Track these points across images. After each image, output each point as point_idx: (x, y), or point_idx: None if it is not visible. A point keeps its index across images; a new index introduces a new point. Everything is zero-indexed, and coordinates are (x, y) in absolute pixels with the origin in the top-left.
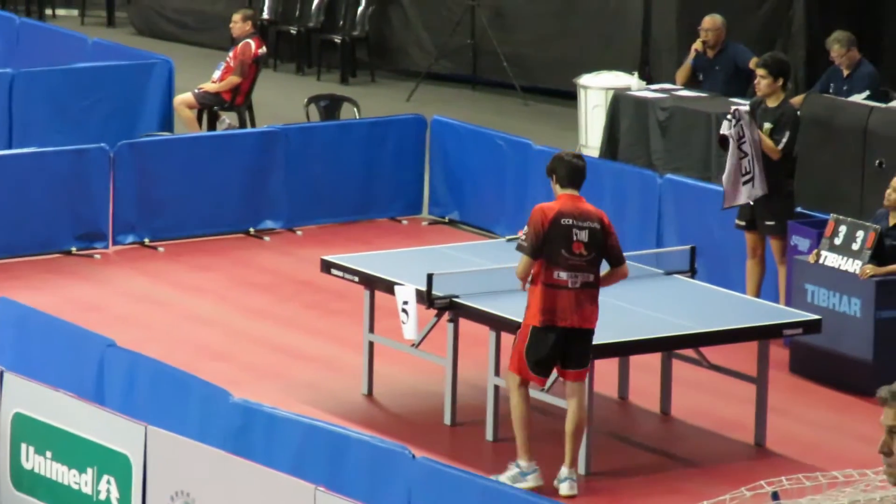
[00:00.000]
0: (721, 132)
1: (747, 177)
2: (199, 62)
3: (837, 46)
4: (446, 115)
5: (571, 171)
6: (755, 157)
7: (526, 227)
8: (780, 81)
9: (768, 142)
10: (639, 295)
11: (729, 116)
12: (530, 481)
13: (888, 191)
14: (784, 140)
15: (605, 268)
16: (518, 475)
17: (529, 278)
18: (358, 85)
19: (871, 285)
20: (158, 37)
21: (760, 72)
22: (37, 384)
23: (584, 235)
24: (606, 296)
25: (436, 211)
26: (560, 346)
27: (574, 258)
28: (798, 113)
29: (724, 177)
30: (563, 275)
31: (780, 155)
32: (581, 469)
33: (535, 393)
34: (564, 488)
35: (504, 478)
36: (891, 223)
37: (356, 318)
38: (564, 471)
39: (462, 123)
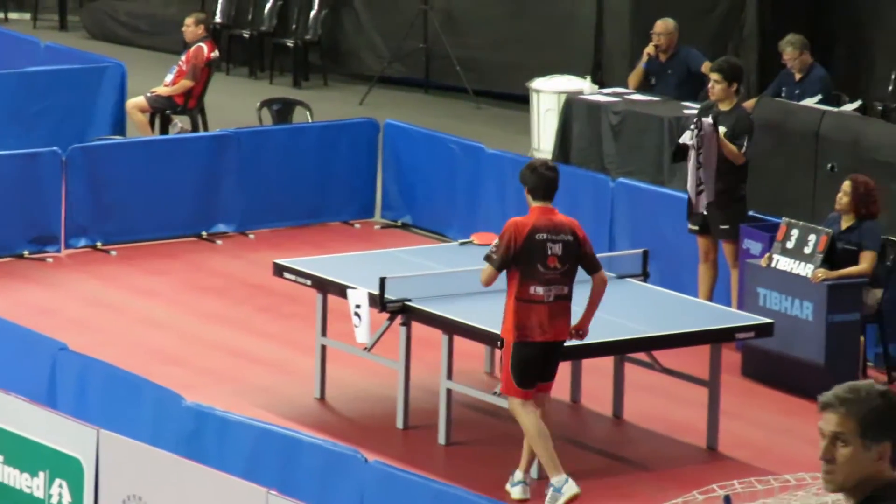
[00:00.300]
0: (681, 141)
1: (700, 187)
2: (152, 66)
3: (790, 49)
4: (399, 118)
5: (544, 184)
6: (707, 167)
7: (497, 239)
8: (734, 86)
9: (731, 147)
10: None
11: (692, 126)
12: (566, 493)
13: (839, 195)
14: (745, 145)
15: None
16: (553, 493)
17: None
18: (310, 89)
19: (824, 289)
20: (111, 40)
21: (715, 76)
22: None
23: (557, 249)
24: None
25: (388, 214)
26: (540, 359)
27: (549, 272)
28: (751, 117)
29: (689, 186)
30: (539, 290)
31: (744, 160)
32: (533, 473)
33: (487, 396)
34: (517, 492)
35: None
36: (843, 227)
37: (309, 322)
38: (518, 475)
39: (415, 127)
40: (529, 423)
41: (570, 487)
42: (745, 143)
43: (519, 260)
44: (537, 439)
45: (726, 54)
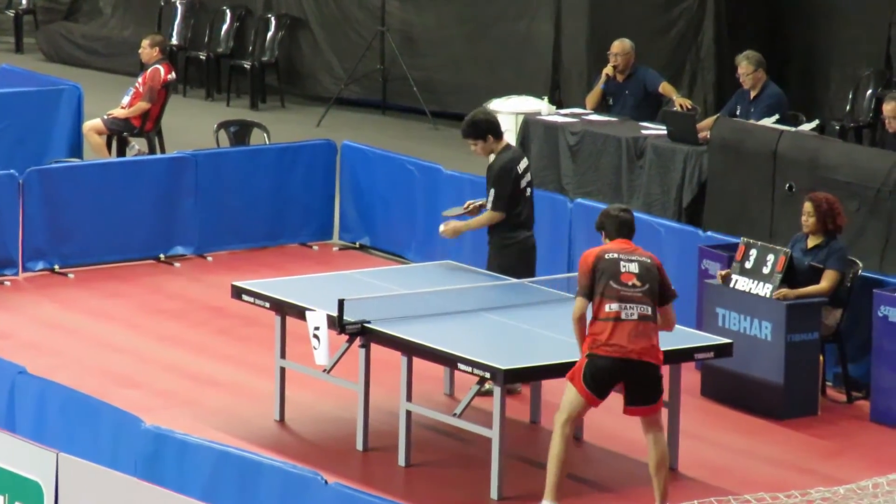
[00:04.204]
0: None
1: None
2: (109, 88)
3: (746, 63)
4: (356, 140)
5: (618, 223)
6: None
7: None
8: (489, 139)
9: (476, 222)
10: (550, 319)
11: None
12: None
13: (803, 217)
14: (490, 198)
15: None
16: None
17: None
18: (268, 110)
19: (782, 309)
20: (67, 63)
21: (469, 141)
22: None
23: (633, 267)
24: (517, 320)
25: (346, 236)
26: (616, 373)
27: (625, 289)
28: (499, 167)
29: None
30: (615, 306)
31: (498, 214)
32: (493, 494)
33: (447, 417)
34: None
35: None
36: (809, 245)
37: (267, 344)
38: None
39: (372, 148)
40: (559, 443)
41: None
42: (491, 197)
43: (595, 278)
44: (555, 460)
45: (683, 74)
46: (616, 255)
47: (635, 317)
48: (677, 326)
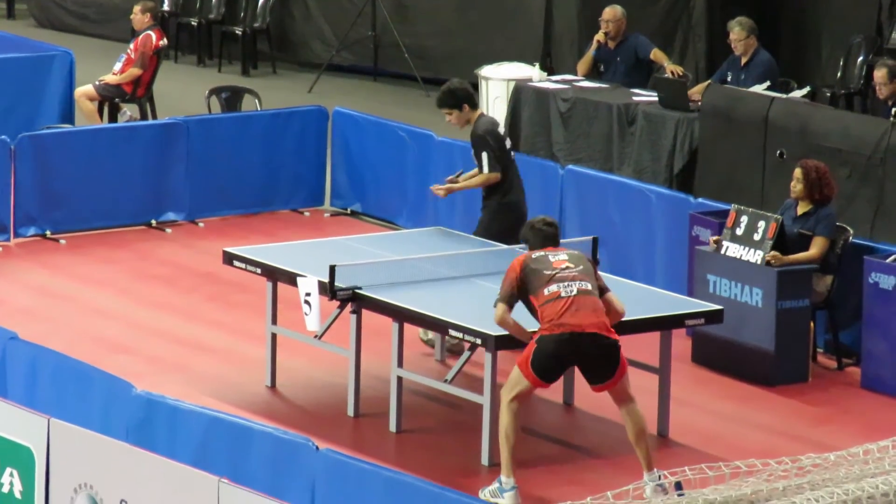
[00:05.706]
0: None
1: None
2: (100, 54)
3: (738, 29)
4: (348, 106)
5: (544, 239)
6: None
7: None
8: (465, 108)
9: (472, 182)
10: None
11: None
12: (506, 499)
13: (793, 182)
14: (485, 162)
15: None
16: (496, 490)
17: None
18: (259, 77)
19: (773, 275)
20: (59, 29)
21: (445, 110)
22: None
23: (562, 255)
24: None
25: (338, 202)
26: (564, 353)
27: (559, 271)
28: (483, 131)
29: None
30: (553, 287)
31: (495, 175)
32: (483, 460)
33: (438, 384)
34: (647, 491)
35: (487, 491)
36: (799, 212)
37: (259, 310)
38: (645, 476)
39: (364, 115)
40: (507, 420)
41: (512, 498)
42: (486, 160)
43: (527, 282)
44: (504, 438)
45: (675, 41)
46: (543, 253)
47: (575, 292)
48: (667, 293)
